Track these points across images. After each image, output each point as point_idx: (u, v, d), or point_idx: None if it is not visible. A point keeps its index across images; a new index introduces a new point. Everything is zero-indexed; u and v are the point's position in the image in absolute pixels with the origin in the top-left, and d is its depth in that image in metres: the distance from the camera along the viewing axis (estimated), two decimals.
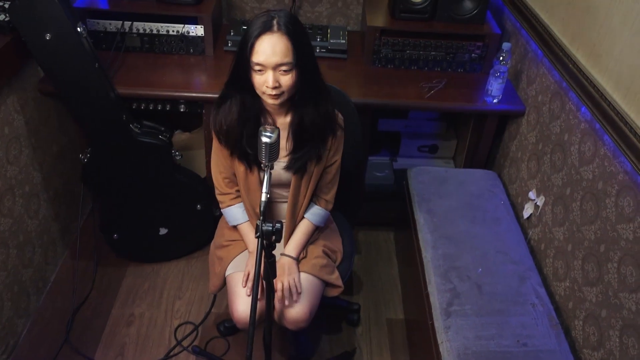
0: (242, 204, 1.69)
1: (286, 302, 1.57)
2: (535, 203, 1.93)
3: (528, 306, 1.68)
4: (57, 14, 1.68)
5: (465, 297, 1.70)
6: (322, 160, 1.60)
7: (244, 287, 1.60)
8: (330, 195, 1.70)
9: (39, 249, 2.04)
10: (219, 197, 1.73)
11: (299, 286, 1.61)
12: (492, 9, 2.36)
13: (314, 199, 1.70)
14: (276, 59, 1.37)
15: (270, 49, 1.37)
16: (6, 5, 1.74)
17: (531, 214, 1.97)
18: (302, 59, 1.42)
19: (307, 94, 1.49)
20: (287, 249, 1.67)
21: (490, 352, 1.54)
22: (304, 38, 1.44)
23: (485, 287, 1.73)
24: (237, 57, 1.44)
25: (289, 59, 1.39)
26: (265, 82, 1.40)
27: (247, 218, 1.69)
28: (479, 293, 1.71)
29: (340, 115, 1.61)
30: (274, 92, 1.42)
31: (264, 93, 1.44)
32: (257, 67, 1.39)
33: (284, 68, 1.39)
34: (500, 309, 1.66)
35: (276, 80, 1.40)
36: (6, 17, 1.72)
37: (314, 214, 1.70)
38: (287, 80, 1.41)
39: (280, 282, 1.58)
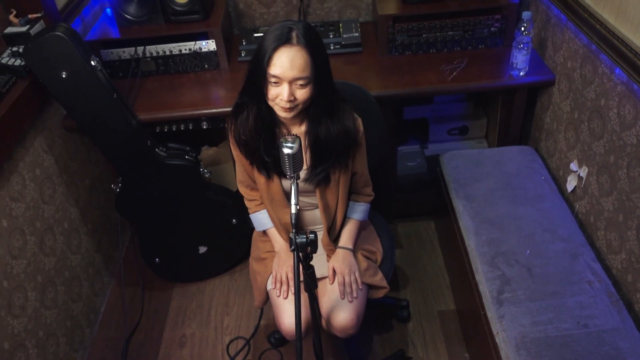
0: (266, 210, 1.68)
1: (349, 298, 1.56)
2: (579, 174, 1.84)
3: (584, 284, 1.60)
4: (69, 51, 1.70)
5: (515, 282, 1.63)
6: (347, 168, 1.57)
7: (273, 288, 1.61)
8: (370, 189, 1.71)
9: (85, 282, 2.07)
10: (246, 203, 1.74)
11: (360, 281, 1.60)
12: None
13: (354, 197, 1.69)
14: (294, 72, 1.34)
15: (288, 63, 1.33)
16: (20, 50, 1.76)
17: (575, 187, 1.88)
18: (320, 73, 1.38)
19: (322, 106, 1.45)
20: (342, 241, 1.66)
21: (549, 338, 1.48)
22: (322, 51, 1.40)
23: (536, 269, 1.66)
24: (252, 67, 1.41)
25: (306, 73, 1.35)
26: (279, 95, 1.37)
27: (273, 224, 1.68)
28: (530, 277, 1.64)
29: (359, 119, 1.56)
30: (288, 105, 1.38)
31: (276, 105, 1.41)
32: (273, 80, 1.36)
33: (300, 82, 1.36)
34: (555, 291, 1.59)
35: (291, 94, 1.36)
36: (22, 61, 1.74)
37: (360, 212, 1.70)
38: (302, 94, 1.38)
39: (342, 276, 1.58)
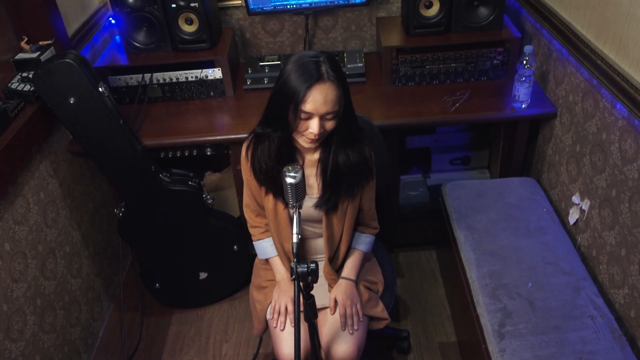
0: (270, 238, 1.68)
1: (350, 330, 1.55)
2: (581, 207, 1.84)
3: (586, 319, 1.58)
4: (78, 78, 1.73)
5: (517, 315, 1.62)
6: (356, 198, 1.58)
7: (271, 318, 1.60)
8: (376, 222, 1.72)
9: (85, 307, 2.07)
10: (250, 230, 1.74)
11: (361, 313, 1.59)
12: (509, 13, 2.31)
13: (360, 229, 1.70)
14: (327, 108, 1.36)
15: (322, 99, 1.35)
16: (30, 76, 1.79)
17: (577, 220, 1.88)
18: (346, 104, 1.41)
19: (343, 135, 1.47)
20: (345, 272, 1.66)
21: None
22: (346, 83, 1.42)
23: (538, 302, 1.65)
24: (279, 100, 1.41)
25: (337, 107, 1.38)
26: (310, 128, 1.38)
27: (276, 253, 1.68)
28: (532, 310, 1.63)
29: (372, 152, 1.58)
30: (316, 137, 1.40)
31: (302, 136, 1.42)
32: (304, 115, 1.37)
33: (330, 116, 1.38)
34: (557, 325, 1.57)
35: (321, 127, 1.38)
36: (31, 87, 1.77)
37: (365, 243, 1.70)
38: (330, 125, 1.41)
39: (343, 307, 1.57)
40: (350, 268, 1.66)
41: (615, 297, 1.66)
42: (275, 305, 1.61)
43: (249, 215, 1.72)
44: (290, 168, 1.28)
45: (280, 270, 1.67)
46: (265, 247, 1.71)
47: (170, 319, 2.28)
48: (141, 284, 2.22)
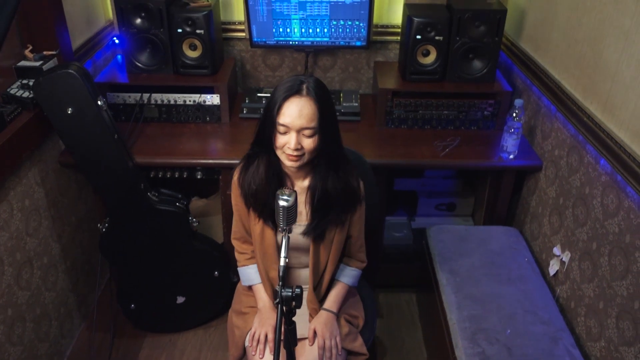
0: (255, 265, 1.68)
1: None
2: (561, 259, 1.88)
3: None
4: (79, 89, 1.75)
5: None
6: (344, 227, 1.59)
7: (249, 345, 1.57)
8: (363, 255, 1.72)
9: (55, 322, 2.01)
10: (236, 256, 1.74)
11: (340, 346, 1.58)
12: (501, 68, 2.40)
13: (346, 261, 1.70)
14: (301, 122, 1.39)
15: (297, 112, 1.39)
16: (30, 83, 1.81)
17: (557, 271, 1.91)
18: (326, 125, 1.44)
19: (327, 160, 1.50)
20: (327, 304, 1.64)
21: None
22: (330, 105, 1.46)
23: (516, 349, 1.65)
24: (263, 117, 1.47)
25: (314, 123, 1.40)
26: (287, 143, 1.41)
27: (260, 280, 1.67)
28: (509, 356, 1.63)
29: (362, 182, 1.61)
30: (294, 154, 1.42)
31: (283, 153, 1.45)
32: (281, 129, 1.41)
33: (307, 133, 1.41)
34: None
35: (298, 142, 1.41)
36: (30, 94, 1.78)
37: (350, 276, 1.70)
38: (309, 143, 1.42)
39: (322, 339, 1.55)
40: (332, 300, 1.66)
41: (592, 350, 1.67)
42: (255, 333, 1.59)
43: (235, 242, 1.72)
44: (284, 191, 1.30)
45: (262, 297, 1.66)
46: (249, 273, 1.70)
47: (142, 343, 2.22)
48: (116, 303, 2.17)
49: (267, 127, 1.44)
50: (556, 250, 1.91)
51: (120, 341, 2.22)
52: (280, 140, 1.43)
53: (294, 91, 1.39)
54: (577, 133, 1.78)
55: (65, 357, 2.08)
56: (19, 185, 1.76)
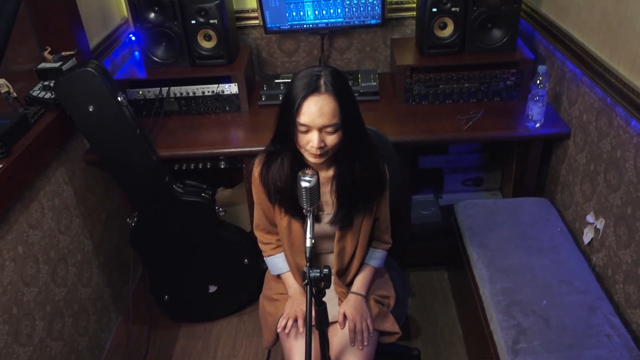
0: (282, 253, 1.67)
1: (359, 346, 1.53)
2: (595, 226, 1.83)
3: (602, 338, 1.55)
4: (98, 86, 1.76)
5: (532, 333, 1.59)
6: (371, 214, 1.58)
7: (281, 330, 1.58)
8: (389, 235, 1.70)
9: (93, 317, 2.06)
10: (261, 246, 1.73)
11: (371, 328, 1.57)
12: (522, 36, 2.33)
13: (374, 244, 1.69)
14: (323, 120, 1.35)
15: (317, 111, 1.34)
16: (51, 84, 1.83)
17: (592, 239, 1.86)
18: (348, 118, 1.39)
19: (351, 150, 1.46)
20: (355, 287, 1.63)
21: None
22: (350, 96, 1.42)
23: (553, 320, 1.62)
24: (282, 114, 1.42)
25: (336, 120, 1.36)
26: (310, 142, 1.38)
27: (288, 268, 1.67)
28: (547, 327, 1.60)
29: (385, 165, 1.58)
30: (318, 152, 1.39)
31: (306, 151, 1.42)
32: (302, 128, 1.37)
33: (330, 130, 1.37)
34: (572, 344, 1.54)
35: (321, 141, 1.37)
36: (52, 94, 1.81)
37: (377, 259, 1.69)
38: (332, 139, 1.39)
39: (353, 323, 1.55)
40: (360, 283, 1.65)
41: (632, 317, 1.62)
42: (287, 320, 1.59)
43: (259, 233, 1.72)
44: (306, 172, 1.29)
45: (292, 285, 1.66)
46: (276, 262, 1.70)
47: (177, 333, 2.26)
48: (150, 295, 2.21)
49: (287, 125, 1.40)
50: (589, 217, 1.86)
51: (157, 333, 2.26)
52: (303, 139, 1.39)
53: (312, 89, 1.34)
54: (605, 95, 1.72)
55: (105, 350, 2.14)
56: (48, 184, 1.80)
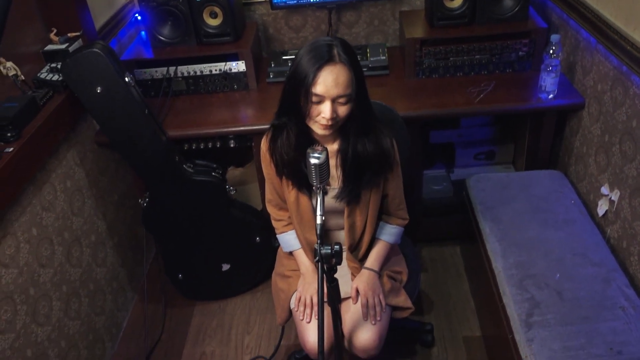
0: (293, 231, 1.67)
1: (372, 321, 1.54)
2: (610, 198, 1.80)
3: (617, 310, 1.54)
4: (105, 67, 1.75)
5: (545, 306, 1.58)
6: (379, 189, 1.56)
7: (296, 310, 1.59)
8: (404, 212, 1.68)
9: (109, 296, 2.09)
10: (273, 223, 1.74)
11: (384, 303, 1.57)
12: (534, 5, 2.27)
13: (385, 218, 1.68)
14: (338, 90, 1.33)
15: (332, 81, 1.32)
16: (58, 66, 1.83)
17: (607, 211, 1.83)
18: (360, 89, 1.38)
19: (359, 123, 1.44)
20: (369, 262, 1.63)
21: None
22: (360, 67, 1.40)
23: (567, 293, 1.61)
24: (291, 86, 1.40)
25: (349, 90, 1.35)
26: (321, 113, 1.36)
27: (299, 245, 1.67)
28: (561, 300, 1.59)
29: (393, 140, 1.56)
30: (329, 123, 1.38)
31: (315, 123, 1.40)
32: (315, 98, 1.35)
33: (342, 100, 1.36)
34: (587, 316, 1.54)
35: (334, 112, 1.36)
36: (59, 76, 1.80)
37: (390, 234, 1.67)
38: (343, 111, 1.38)
39: (365, 298, 1.55)
40: (373, 259, 1.64)
41: None
42: (300, 298, 1.61)
43: (271, 209, 1.72)
44: (315, 149, 1.27)
45: (304, 262, 1.66)
46: (288, 239, 1.70)
47: (192, 311, 2.29)
48: (164, 275, 2.24)
49: (297, 96, 1.38)
50: (604, 189, 1.83)
51: (172, 311, 2.29)
52: (314, 110, 1.37)
53: (326, 59, 1.32)
54: (621, 64, 1.67)
55: (122, 328, 2.17)
56: (59, 167, 1.81)
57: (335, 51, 1.33)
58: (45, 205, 1.71)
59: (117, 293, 2.15)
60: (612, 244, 1.80)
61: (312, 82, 1.33)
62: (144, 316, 2.23)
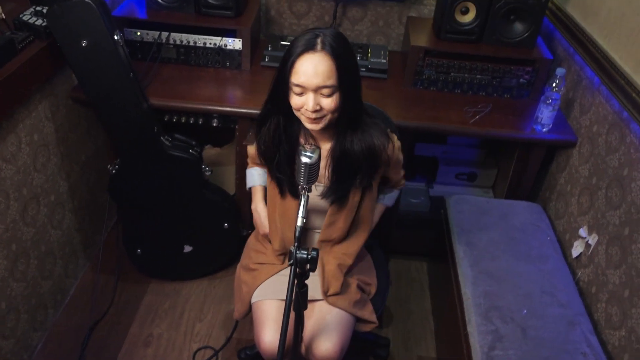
0: (264, 170, 1.65)
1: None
2: (587, 241, 1.79)
3: (578, 356, 1.53)
4: (94, 20, 1.64)
5: (508, 341, 1.56)
6: (371, 192, 1.52)
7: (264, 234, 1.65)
8: (404, 181, 1.72)
9: (60, 261, 1.97)
10: (248, 160, 1.74)
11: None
12: (542, 33, 2.25)
13: (389, 184, 1.69)
14: (317, 80, 1.27)
15: (311, 70, 1.26)
16: (44, 10, 1.70)
17: (581, 253, 1.82)
18: (347, 81, 1.31)
19: (348, 118, 1.38)
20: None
21: None
22: (350, 59, 1.33)
23: (531, 331, 1.59)
24: (277, 76, 1.35)
25: (332, 81, 1.28)
26: (304, 105, 1.31)
27: (263, 182, 1.67)
28: (524, 337, 1.57)
29: (392, 135, 1.51)
30: (313, 116, 1.32)
31: (302, 115, 1.34)
32: (296, 89, 1.30)
33: (325, 92, 1.29)
34: (548, 357, 1.52)
35: (317, 103, 1.30)
36: (43, 22, 1.68)
37: (391, 198, 1.74)
38: (328, 103, 1.31)
39: None
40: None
41: (610, 338, 1.60)
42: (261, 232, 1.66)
43: (251, 157, 1.71)
44: (306, 147, 1.20)
45: (260, 201, 1.69)
46: (253, 173, 1.72)
47: (146, 288, 2.19)
48: (122, 247, 2.13)
49: (281, 87, 1.32)
50: (582, 231, 1.82)
51: (124, 285, 2.19)
52: (297, 101, 1.31)
53: (308, 47, 1.26)
54: (622, 109, 1.65)
55: (69, 296, 2.06)
56: (28, 118, 1.69)
57: (319, 39, 1.27)
58: (6, 156, 1.59)
59: (68, 258, 2.04)
60: (580, 286, 1.79)
61: (291, 72, 1.28)
62: (94, 286, 2.12)
